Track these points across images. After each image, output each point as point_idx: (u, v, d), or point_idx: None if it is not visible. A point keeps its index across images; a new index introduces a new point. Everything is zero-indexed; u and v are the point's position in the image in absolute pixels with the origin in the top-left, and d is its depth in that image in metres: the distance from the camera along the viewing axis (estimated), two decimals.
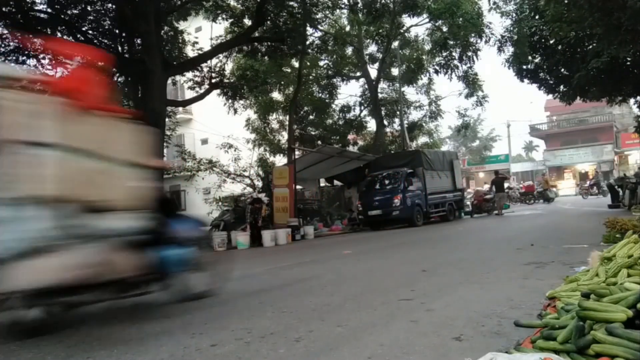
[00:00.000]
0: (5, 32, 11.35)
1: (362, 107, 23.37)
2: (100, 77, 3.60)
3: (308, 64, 20.29)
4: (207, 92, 15.21)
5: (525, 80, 16.70)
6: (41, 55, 12.22)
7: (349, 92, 61.21)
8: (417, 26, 26.95)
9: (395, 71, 22.81)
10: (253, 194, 14.13)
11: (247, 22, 15.60)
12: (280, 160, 20.50)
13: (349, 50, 22.52)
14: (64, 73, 3.66)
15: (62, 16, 11.98)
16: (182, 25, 15.84)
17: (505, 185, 19.95)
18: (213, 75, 15.60)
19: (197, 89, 15.67)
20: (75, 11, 12.47)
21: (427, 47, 21.15)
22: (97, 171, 3.15)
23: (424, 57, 21.73)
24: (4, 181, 2.80)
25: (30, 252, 2.74)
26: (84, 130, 3.13)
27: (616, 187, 15.25)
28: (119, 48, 13.02)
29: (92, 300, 3.46)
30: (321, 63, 22.00)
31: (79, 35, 12.22)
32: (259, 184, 18.62)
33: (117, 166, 3.30)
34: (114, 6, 12.68)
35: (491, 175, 23.64)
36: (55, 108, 2.96)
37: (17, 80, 3.25)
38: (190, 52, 15.63)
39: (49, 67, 3.89)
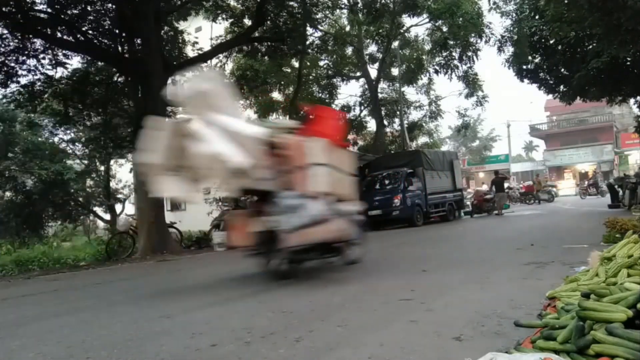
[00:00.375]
0: (5, 32, 11.35)
1: (362, 107, 23.37)
2: (338, 126, 6.22)
3: (308, 64, 20.26)
4: None
5: (525, 80, 16.69)
6: (41, 56, 12.28)
7: (349, 92, 61.13)
8: (417, 26, 26.84)
9: (395, 71, 22.79)
10: None
11: (247, 22, 15.58)
12: None
13: (349, 50, 22.50)
14: (322, 124, 5.82)
15: (62, 16, 11.95)
16: (182, 25, 15.81)
17: (505, 185, 19.95)
18: None
19: None
20: (75, 11, 12.43)
21: (427, 47, 21.14)
22: (339, 178, 5.39)
23: (424, 57, 21.71)
24: (299, 184, 4.85)
25: (311, 223, 4.69)
26: (333, 155, 5.34)
27: (616, 187, 15.26)
28: (119, 48, 13.01)
29: (313, 258, 5.48)
30: (321, 63, 21.97)
31: (79, 35, 12.20)
32: None
33: (345, 175, 5.61)
34: (114, 6, 12.66)
35: (491, 175, 23.63)
36: (322, 144, 5.15)
37: (297, 129, 5.54)
38: (190, 52, 15.60)
39: (312, 124, 6.00)
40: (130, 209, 21.63)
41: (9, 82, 11.72)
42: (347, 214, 5.30)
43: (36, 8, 11.76)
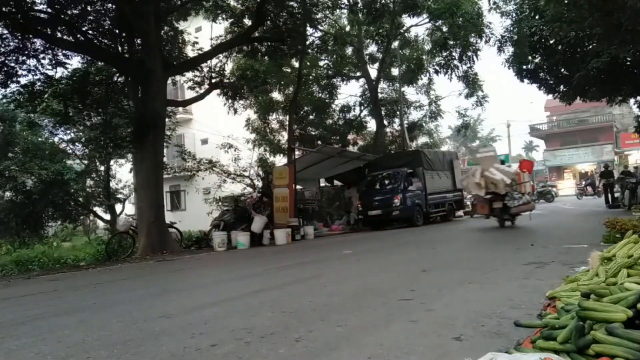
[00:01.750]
0: (5, 32, 11.34)
1: (362, 107, 23.35)
2: (531, 166, 12.49)
3: (308, 64, 20.26)
4: (207, 92, 15.20)
5: (525, 80, 16.68)
6: (41, 56, 12.27)
7: (349, 92, 61.13)
8: (417, 26, 26.93)
9: (395, 71, 22.79)
10: (254, 193, 14.05)
11: (247, 22, 15.58)
12: (280, 160, 20.49)
13: (349, 50, 22.49)
14: (525, 166, 11.78)
15: (62, 16, 11.94)
16: (182, 25, 15.81)
17: None
18: (213, 75, 15.58)
19: (197, 89, 15.65)
20: (75, 11, 12.42)
21: (427, 47, 21.14)
22: (530, 185, 12.02)
23: (424, 57, 21.70)
24: (519, 189, 10.77)
25: (522, 204, 10.48)
26: (528, 177, 11.76)
27: (617, 186, 15.27)
28: (119, 48, 13.00)
29: (509, 220, 10.57)
30: (321, 63, 21.96)
31: (79, 35, 12.20)
32: (259, 184, 18.63)
33: (526, 182, 11.27)
34: (114, 6, 12.66)
35: None
36: (527, 173, 11.53)
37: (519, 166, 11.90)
38: (190, 52, 15.60)
39: (522, 166, 11.74)
40: (130, 209, 21.63)
41: (9, 82, 11.70)
42: (532, 200, 11.75)
43: (36, 8, 11.75)
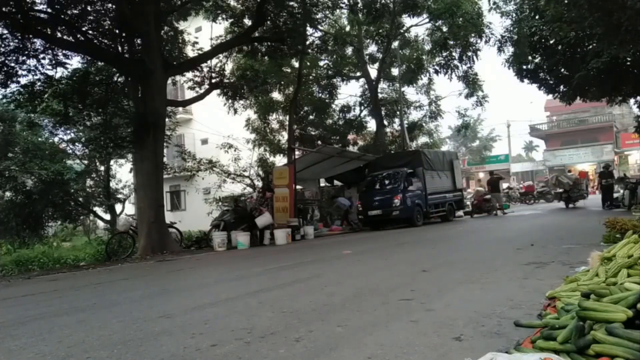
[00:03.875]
0: (5, 32, 11.33)
1: (362, 107, 23.34)
2: (585, 174, 20.50)
3: (308, 64, 20.26)
4: (207, 92, 15.20)
5: (525, 80, 16.68)
6: (41, 56, 12.27)
7: (349, 92, 61.25)
8: (417, 26, 26.93)
9: (395, 71, 22.78)
10: (254, 193, 14.03)
11: (247, 22, 15.58)
12: (280, 160, 20.49)
13: (349, 50, 22.49)
14: (582, 175, 18.79)
15: (62, 16, 11.93)
16: (182, 25, 15.81)
17: (504, 185, 20.02)
18: (213, 75, 15.58)
19: (197, 89, 15.65)
20: (75, 11, 12.42)
21: (427, 47, 21.13)
22: (580, 185, 17.99)
23: (424, 57, 21.69)
24: (579, 186, 17.50)
25: (581, 195, 17.55)
26: (581, 180, 18.26)
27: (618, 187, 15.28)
28: (119, 48, 13.00)
29: (570, 203, 17.30)
30: (321, 63, 21.96)
31: (79, 35, 12.19)
32: (259, 184, 18.62)
33: (580, 184, 18.03)
34: (114, 6, 12.66)
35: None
36: (585, 178, 19.04)
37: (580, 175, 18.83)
38: (190, 52, 15.60)
39: (581, 174, 18.06)
40: (130, 209, 21.63)
41: (9, 82, 11.69)
42: (584, 193, 17.52)
43: (36, 8, 11.74)
